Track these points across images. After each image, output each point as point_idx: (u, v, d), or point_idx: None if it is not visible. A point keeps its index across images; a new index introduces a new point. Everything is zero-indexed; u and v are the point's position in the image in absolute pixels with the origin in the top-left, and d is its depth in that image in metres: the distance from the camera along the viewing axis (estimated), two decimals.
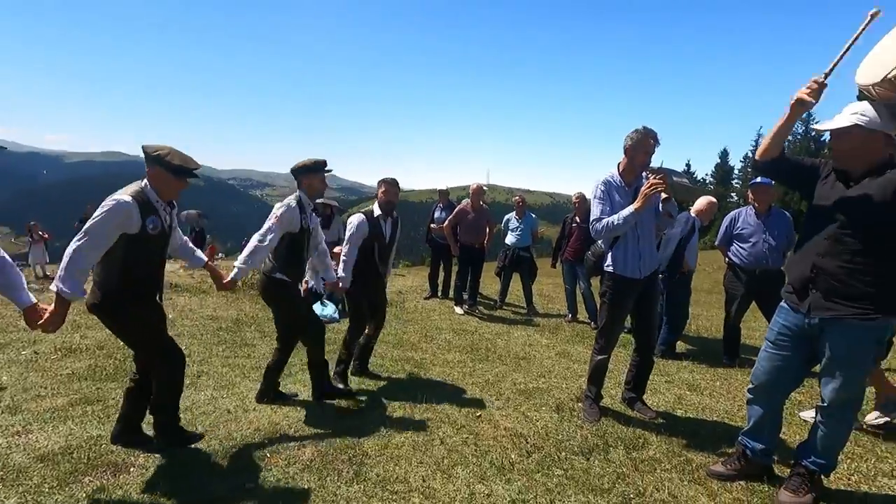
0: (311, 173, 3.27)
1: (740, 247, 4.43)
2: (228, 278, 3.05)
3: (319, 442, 2.87)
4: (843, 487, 2.52)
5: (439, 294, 7.54)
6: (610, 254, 3.22)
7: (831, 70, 2.14)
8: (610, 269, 3.21)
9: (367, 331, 3.96)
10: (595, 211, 3.14)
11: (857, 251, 2.09)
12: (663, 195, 3.10)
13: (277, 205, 3.25)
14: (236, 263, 3.10)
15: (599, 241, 3.69)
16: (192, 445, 2.75)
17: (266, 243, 3.09)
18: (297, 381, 3.80)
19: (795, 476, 2.35)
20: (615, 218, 3.02)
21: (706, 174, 51.24)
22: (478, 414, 3.34)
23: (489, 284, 8.61)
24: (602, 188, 3.15)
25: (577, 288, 6.37)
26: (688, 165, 50.78)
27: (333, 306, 6.45)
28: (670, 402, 3.63)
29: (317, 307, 6.38)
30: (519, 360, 4.63)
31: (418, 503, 2.33)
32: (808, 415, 3.28)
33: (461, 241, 6.54)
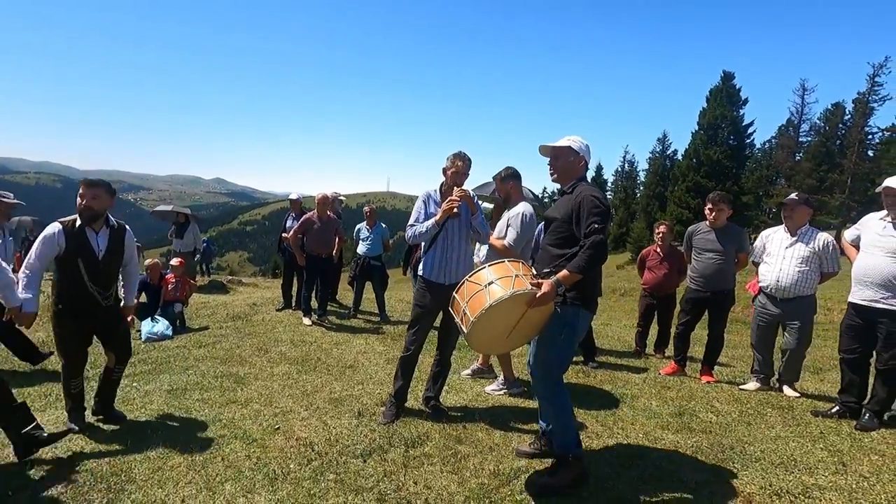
0: None
1: None
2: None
3: (81, 468, 2.69)
4: None
5: (293, 305, 7.38)
6: (423, 258, 3.51)
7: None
8: (420, 272, 3.49)
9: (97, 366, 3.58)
10: (411, 218, 3.49)
11: (553, 255, 2.60)
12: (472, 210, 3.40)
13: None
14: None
15: None
16: None
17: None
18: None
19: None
20: (421, 226, 3.38)
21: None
22: (276, 427, 3.34)
23: (349, 293, 8.62)
24: (423, 199, 3.51)
25: None
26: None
27: (165, 322, 6.04)
28: (469, 398, 3.93)
29: (146, 324, 5.93)
30: (345, 368, 4.70)
31: None
32: None
33: (308, 250, 6.48)
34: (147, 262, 6.48)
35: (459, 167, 3.41)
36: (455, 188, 3.35)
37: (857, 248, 3.58)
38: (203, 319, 6.95)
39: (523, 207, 3.89)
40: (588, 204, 2.47)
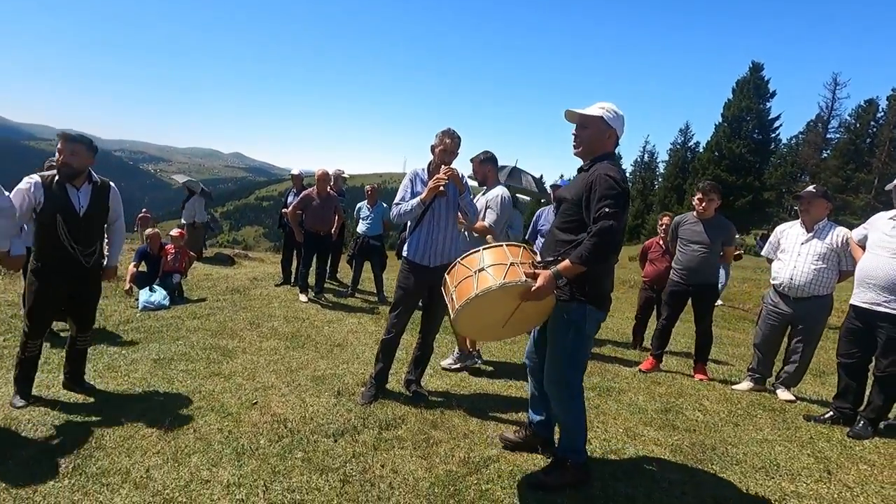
0: None
1: (541, 241, 4.83)
2: None
3: (52, 434, 2.71)
4: None
5: (291, 281, 7.38)
6: (408, 239, 3.41)
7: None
8: (405, 253, 3.40)
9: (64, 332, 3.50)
10: (397, 196, 3.38)
11: (561, 241, 2.37)
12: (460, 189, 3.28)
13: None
14: None
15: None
16: None
17: None
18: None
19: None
20: (406, 204, 3.27)
21: None
22: (254, 402, 3.33)
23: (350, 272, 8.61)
24: (409, 178, 3.40)
25: None
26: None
27: (163, 292, 6.08)
28: (452, 382, 3.87)
29: (144, 293, 5.98)
30: (333, 346, 4.68)
31: (126, 494, 2.27)
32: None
33: (306, 227, 6.44)
34: (147, 231, 6.50)
35: (448, 145, 3.28)
36: (443, 166, 3.23)
37: (864, 247, 3.41)
38: (203, 291, 7.00)
39: (501, 190, 3.96)
40: (602, 184, 2.15)
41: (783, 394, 3.91)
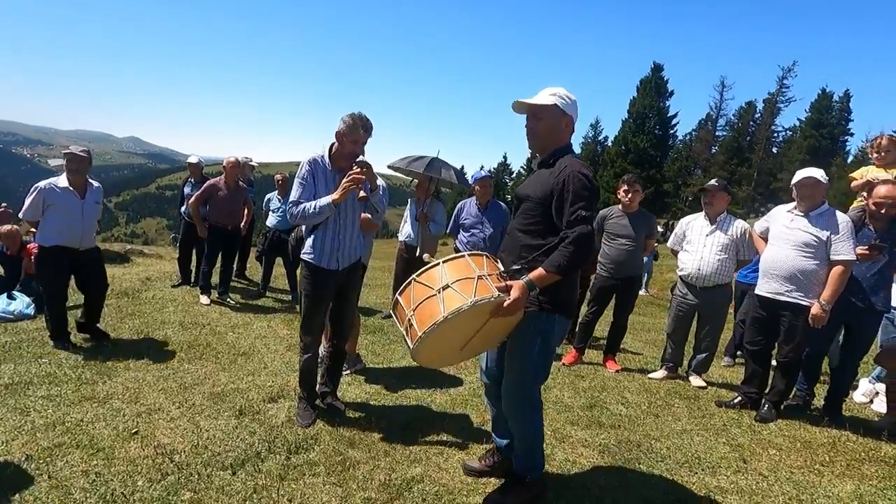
0: None
1: (463, 235, 4.65)
2: None
3: None
4: None
5: (191, 282, 6.61)
6: (308, 240, 2.96)
7: None
8: (306, 257, 2.95)
9: None
10: (294, 193, 2.85)
11: (524, 245, 2.15)
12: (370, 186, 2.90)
13: None
14: None
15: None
16: None
17: None
18: None
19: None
20: (311, 205, 2.76)
21: (521, 167, 57.08)
22: (134, 430, 2.80)
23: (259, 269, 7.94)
24: (307, 168, 2.86)
25: None
26: (504, 157, 55.80)
27: (26, 299, 5.12)
28: (371, 392, 3.57)
29: (0, 301, 4.99)
30: (237, 356, 4.17)
31: None
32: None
33: (211, 222, 5.75)
34: (3, 228, 5.44)
35: (361, 138, 2.81)
36: (356, 162, 2.78)
37: (766, 239, 3.58)
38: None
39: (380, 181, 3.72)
40: (575, 183, 1.96)
41: (696, 381, 4.08)
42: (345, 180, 2.72)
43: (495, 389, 2.38)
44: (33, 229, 5.79)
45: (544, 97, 2.12)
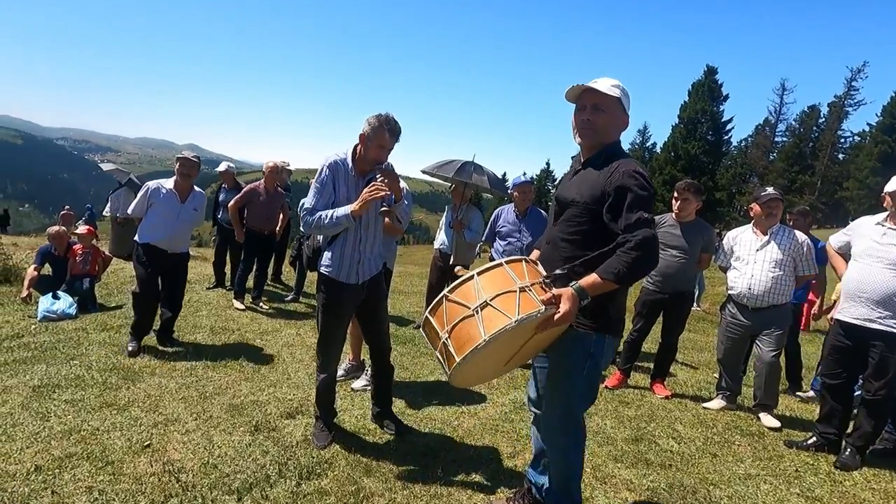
0: None
1: (499, 244, 4.37)
2: None
3: None
4: None
5: (227, 285, 6.64)
6: (326, 252, 2.74)
7: None
8: (324, 270, 2.73)
9: None
10: (309, 198, 2.62)
11: (569, 257, 1.88)
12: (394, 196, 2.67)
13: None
14: None
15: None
16: None
17: None
18: None
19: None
20: (328, 215, 2.52)
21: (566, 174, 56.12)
22: (147, 443, 2.69)
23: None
24: (327, 172, 2.60)
25: None
26: (547, 163, 54.98)
27: (69, 299, 5.25)
28: (419, 418, 3.28)
29: (45, 300, 5.14)
30: (262, 365, 4.04)
31: None
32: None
33: (249, 226, 5.74)
34: (51, 229, 5.62)
35: (386, 142, 2.53)
36: (380, 171, 2.52)
37: (844, 256, 3.10)
38: (123, 296, 6.15)
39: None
40: (634, 184, 1.72)
41: (767, 420, 3.53)
42: (366, 191, 2.46)
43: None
44: (78, 231, 5.99)
45: (609, 86, 1.82)
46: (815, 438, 3.11)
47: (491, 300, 1.65)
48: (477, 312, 1.64)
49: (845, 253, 3.18)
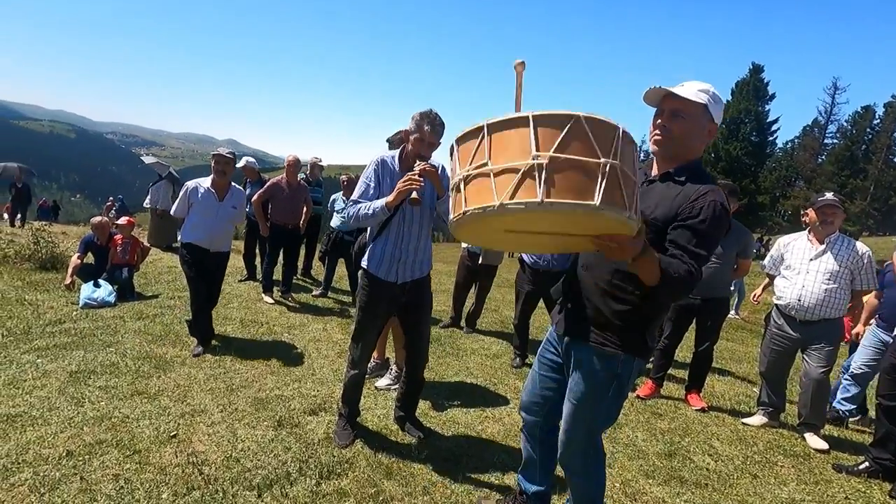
0: None
1: None
2: None
3: None
4: None
5: (257, 277, 6.76)
6: (369, 247, 2.73)
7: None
8: (364, 263, 2.72)
9: None
10: (355, 192, 2.64)
11: (619, 269, 1.67)
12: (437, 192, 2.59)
13: None
14: None
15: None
16: None
17: None
18: None
19: None
20: (366, 206, 2.52)
21: None
22: (173, 433, 2.72)
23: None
24: (373, 168, 2.63)
25: None
26: None
27: (109, 287, 5.43)
28: (419, 411, 3.27)
29: (87, 287, 5.33)
30: (288, 359, 4.07)
31: None
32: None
33: (273, 220, 5.81)
34: (94, 219, 5.84)
35: (426, 135, 2.48)
36: (418, 162, 2.45)
37: None
38: (160, 286, 6.35)
39: None
40: (714, 220, 1.56)
41: (814, 441, 3.31)
42: (401, 182, 2.41)
43: (537, 429, 2.03)
44: (120, 221, 6.19)
45: (692, 92, 1.64)
46: (867, 464, 2.88)
47: (545, 156, 1.19)
48: (523, 171, 1.20)
49: None
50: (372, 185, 2.61)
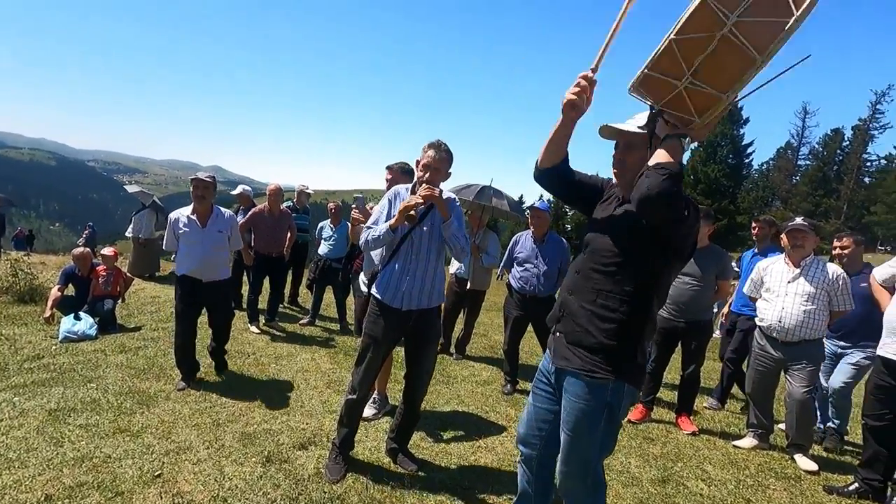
0: None
1: (516, 270, 4.29)
2: None
3: None
4: None
5: (243, 306, 6.65)
6: (380, 272, 2.77)
7: (598, 64, 1.64)
8: (373, 290, 2.76)
9: None
10: (371, 218, 2.75)
11: (602, 290, 1.74)
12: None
13: None
14: None
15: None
16: None
17: None
18: None
19: None
20: (374, 230, 2.64)
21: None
22: (157, 473, 2.64)
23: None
24: (389, 196, 2.78)
25: None
26: None
27: (90, 320, 5.31)
28: (412, 442, 3.23)
29: (67, 321, 5.20)
30: (276, 391, 3.99)
31: None
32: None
33: (256, 249, 5.77)
34: (75, 251, 5.74)
35: (430, 158, 2.59)
36: (422, 186, 2.55)
37: (890, 290, 2.95)
38: (143, 317, 6.21)
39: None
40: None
41: (804, 462, 3.33)
42: (402, 203, 2.56)
43: (533, 461, 2.01)
44: (105, 251, 6.10)
45: (636, 127, 1.75)
46: (857, 484, 2.91)
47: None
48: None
49: (890, 286, 3.02)
50: (384, 213, 2.74)
